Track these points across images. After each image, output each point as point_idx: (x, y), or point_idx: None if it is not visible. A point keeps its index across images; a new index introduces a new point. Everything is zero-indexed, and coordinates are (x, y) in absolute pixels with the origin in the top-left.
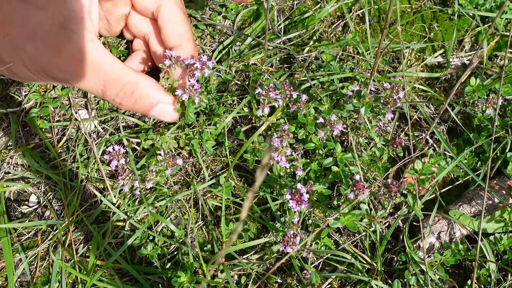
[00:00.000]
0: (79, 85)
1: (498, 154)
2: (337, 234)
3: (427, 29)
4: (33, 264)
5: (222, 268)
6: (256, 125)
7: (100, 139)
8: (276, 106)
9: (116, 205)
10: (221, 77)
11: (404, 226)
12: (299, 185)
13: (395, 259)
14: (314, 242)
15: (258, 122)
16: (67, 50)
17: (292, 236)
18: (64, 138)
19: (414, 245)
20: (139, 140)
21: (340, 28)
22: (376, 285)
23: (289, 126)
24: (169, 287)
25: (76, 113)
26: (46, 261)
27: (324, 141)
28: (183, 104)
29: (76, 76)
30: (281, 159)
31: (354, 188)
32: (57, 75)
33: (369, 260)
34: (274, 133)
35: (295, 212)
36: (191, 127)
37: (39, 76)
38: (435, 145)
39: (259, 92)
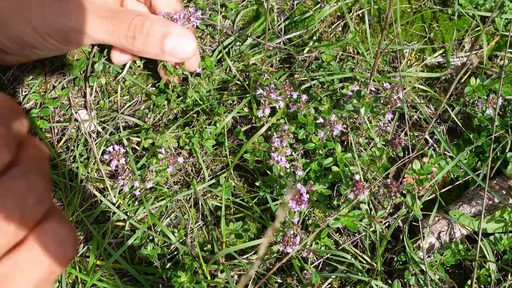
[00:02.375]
0: (90, 32)
1: (498, 154)
2: (337, 234)
3: (427, 29)
4: None
5: (222, 268)
6: (256, 125)
7: (100, 139)
8: (277, 107)
9: (116, 205)
10: (221, 76)
11: (404, 226)
12: (299, 185)
13: (395, 259)
14: (314, 242)
15: (258, 122)
16: (72, 1)
17: (292, 236)
18: (64, 138)
19: (414, 245)
20: (139, 139)
21: (340, 28)
22: (376, 285)
23: (289, 126)
24: (169, 287)
25: (76, 113)
26: None
27: (324, 141)
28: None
29: (85, 22)
30: (281, 159)
31: (354, 188)
32: (67, 25)
33: (369, 260)
34: (274, 133)
35: (294, 212)
36: (191, 126)
37: (48, 36)
38: (435, 145)
39: (260, 93)
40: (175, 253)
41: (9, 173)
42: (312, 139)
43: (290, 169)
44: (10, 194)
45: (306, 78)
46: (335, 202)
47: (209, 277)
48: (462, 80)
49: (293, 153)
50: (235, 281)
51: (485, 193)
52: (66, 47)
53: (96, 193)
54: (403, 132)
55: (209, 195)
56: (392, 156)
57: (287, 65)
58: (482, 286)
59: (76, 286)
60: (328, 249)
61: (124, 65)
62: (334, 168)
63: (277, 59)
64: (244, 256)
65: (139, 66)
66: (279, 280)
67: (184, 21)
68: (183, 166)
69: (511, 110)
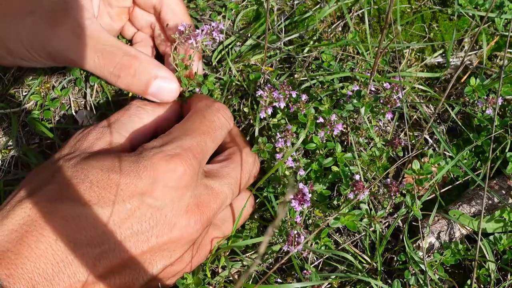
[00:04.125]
0: (76, 59)
1: (498, 154)
2: (337, 234)
3: (427, 29)
4: None
5: (222, 264)
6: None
7: None
8: (277, 106)
9: None
10: (223, 79)
11: (404, 226)
12: (301, 185)
13: (395, 259)
14: (314, 242)
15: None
16: (65, 23)
17: (296, 235)
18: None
19: (414, 245)
20: None
21: (340, 28)
22: (376, 285)
23: (292, 126)
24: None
25: (76, 113)
26: None
27: (324, 141)
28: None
29: (74, 48)
30: (287, 159)
31: (354, 188)
32: (55, 46)
33: (369, 260)
34: (278, 134)
35: (295, 212)
36: None
37: (36, 54)
38: (434, 145)
39: (260, 94)
40: None
41: (245, 150)
42: (313, 139)
43: (293, 169)
44: (240, 164)
45: (306, 78)
46: (335, 202)
47: (209, 275)
48: (462, 80)
49: (294, 153)
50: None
51: (484, 193)
52: (54, 64)
53: None
54: (403, 132)
55: None
56: (392, 156)
57: (287, 65)
58: (482, 286)
59: None
60: (328, 249)
61: None
62: (334, 168)
63: (277, 59)
64: (244, 256)
65: None
66: (279, 280)
67: (205, 36)
68: None
69: (510, 110)
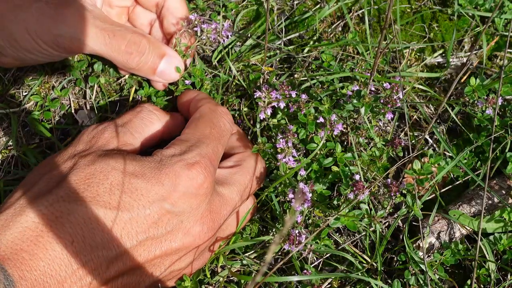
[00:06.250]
0: (85, 41)
1: (498, 154)
2: (337, 234)
3: (426, 29)
4: None
5: (221, 263)
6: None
7: None
8: (276, 105)
9: None
10: (219, 76)
11: (404, 226)
12: (301, 185)
13: (395, 259)
14: (314, 242)
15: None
16: (71, 7)
17: (297, 235)
18: (68, 139)
19: (414, 245)
20: None
21: (340, 28)
22: (376, 285)
23: (293, 126)
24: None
25: (76, 113)
26: None
27: (324, 141)
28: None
29: (82, 30)
30: (289, 159)
31: (354, 188)
32: (62, 31)
33: (369, 260)
34: (279, 134)
35: (296, 211)
36: None
37: (42, 42)
38: (434, 145)
39: (258, 95)
40: None
41: (254, 157)
42: (314, 139)
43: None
44: (250, 171)
45: (306, 78)
46: (335, 202)
47: (208, 275)
48: (462, 80)
49: (295, 153)
50: (235, 281)
51: (484, 193)
52: (59, 53)
53: None
54: (403, 132)
55: None
56: (392, 156)
57: (287, 65)
58: (482, 286)
59: None
60: (328, 249)
61: None
62: (334, 168)
63: (277, 59)
64: (244, 255)
65: None
66: (279, 280)
67: (211, 28)
68: None
69: (510, 110)
